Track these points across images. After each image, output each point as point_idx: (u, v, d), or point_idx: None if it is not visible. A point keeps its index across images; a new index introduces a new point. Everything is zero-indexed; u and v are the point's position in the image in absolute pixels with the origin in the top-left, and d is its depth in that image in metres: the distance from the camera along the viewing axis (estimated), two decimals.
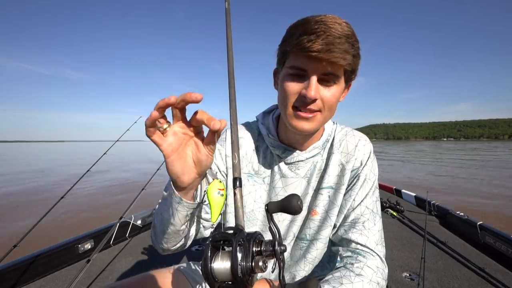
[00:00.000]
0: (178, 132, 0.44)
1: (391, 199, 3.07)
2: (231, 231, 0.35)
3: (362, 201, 0.67)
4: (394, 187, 3.74)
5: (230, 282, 0.33)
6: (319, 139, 0.71)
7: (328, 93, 0.58)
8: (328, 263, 0.79)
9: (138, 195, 1.85)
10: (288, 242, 0.75)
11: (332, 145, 0.72)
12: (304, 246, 0.75)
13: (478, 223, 2.11)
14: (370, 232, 0.65)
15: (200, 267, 0.85)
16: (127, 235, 2.30)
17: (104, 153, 2.05)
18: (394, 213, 2.81)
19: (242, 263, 0.32)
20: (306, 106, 0.58)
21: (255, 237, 0.35)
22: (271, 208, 0.43)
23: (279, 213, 0.70)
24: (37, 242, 1.92)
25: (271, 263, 0.39)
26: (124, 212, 1.74)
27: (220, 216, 0.50)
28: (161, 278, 0.70)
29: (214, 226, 0.66)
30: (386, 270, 0.64)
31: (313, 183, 0.72)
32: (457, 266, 1.75)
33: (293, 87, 0.58)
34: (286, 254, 0.76)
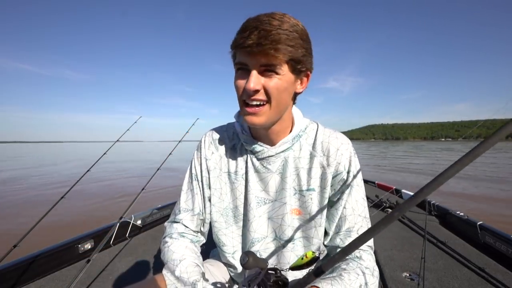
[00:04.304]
0: None
1: (391, 199, 3.07)
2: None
3: (353, 209, 0.70)
4: (394, 187, 3.74)
5: None
6: (288, 134, 0.73)
7: (270, 82, 0.60)
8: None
9: (138, 195, 1.84)
10: (270, 241, 0.75)
11: (314, 147, 0.73)
12: (286, 245, 0.74)
13: (478, 223, 2.11)
14: None
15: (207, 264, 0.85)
16: (127, 235, 2.30)
17: (104, 153, 2.05)
18: None
19: None
20: (251, 98, 0.61)
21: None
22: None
23: (255, 207, 0.74)
24: (37, 242, 1.92)
25: None
26: (124, 212, 1.74)
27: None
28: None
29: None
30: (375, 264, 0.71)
31: (290, 181, 0.73)
32: (457, 266, 1.75)
33: (239, 82, 0.62)
34: (268, 253, 0.77)
